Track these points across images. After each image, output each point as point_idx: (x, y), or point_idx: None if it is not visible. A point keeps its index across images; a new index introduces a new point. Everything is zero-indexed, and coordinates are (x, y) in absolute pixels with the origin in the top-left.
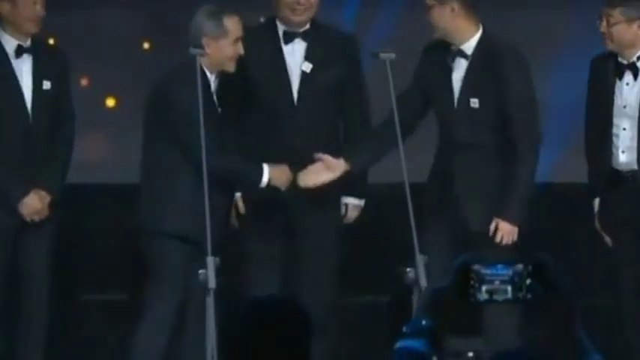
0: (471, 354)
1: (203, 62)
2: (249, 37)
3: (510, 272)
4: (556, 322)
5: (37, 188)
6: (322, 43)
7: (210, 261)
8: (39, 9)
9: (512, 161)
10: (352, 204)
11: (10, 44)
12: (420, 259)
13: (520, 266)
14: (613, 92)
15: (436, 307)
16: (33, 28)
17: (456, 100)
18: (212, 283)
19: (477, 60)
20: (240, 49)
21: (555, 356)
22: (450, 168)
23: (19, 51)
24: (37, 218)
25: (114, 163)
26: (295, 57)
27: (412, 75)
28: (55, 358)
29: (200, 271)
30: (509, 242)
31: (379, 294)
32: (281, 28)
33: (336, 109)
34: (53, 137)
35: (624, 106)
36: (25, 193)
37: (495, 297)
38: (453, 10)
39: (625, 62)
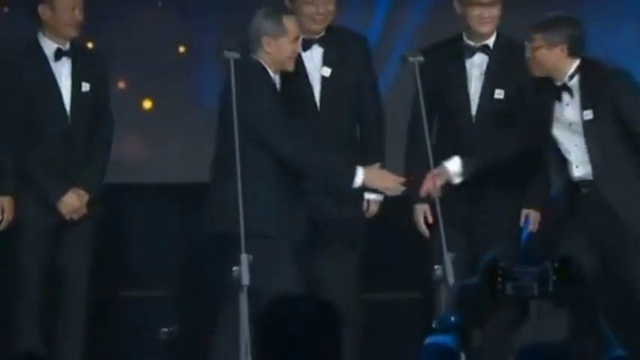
0: None
1: (266, 62)
2: None
3: (537, 269)
4: (579, 316)
5: (76, 187)
6: (338, 46)
7: (244, 258)
8: (77, 14)
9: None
10: (373, 199)
11: (50, 47)
12: (448, 256)
13: (546, 263)
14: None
15: (465, 303)
16: (72, 33)
17: (477, 94)
18: (246, 280)
19: (498, 54)
20: (298, 48)
21: (578, 350)
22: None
23: (59, 54)
24: (75, 216)
25: (150, 164)
26: (314, 62)
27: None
28: (96, 354)
29: (234, 268)
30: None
31: (405, 291)
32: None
33: (354, 111)
34: (91, 138)
35: (570, 124)
36: (64, 192)
37: (522, 293)
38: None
39: (558, 84)
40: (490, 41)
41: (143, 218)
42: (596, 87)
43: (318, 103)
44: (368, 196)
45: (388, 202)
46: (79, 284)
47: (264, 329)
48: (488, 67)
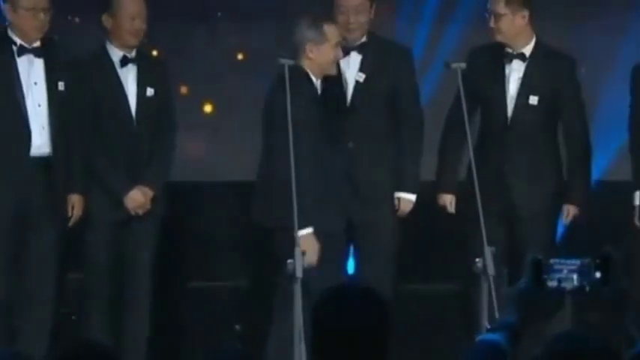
0: None
1: (309, 69)
2: None
3: (578, 263)
4: (609, 311)
5: (141, 185)
6: (377, 54)
7: (298, 251)
8: (138, 23)
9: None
10: (404, 198)
11: (117, 55)
12: (488, 250)
13: (588, 259)
14: None
15: (521, 305)
16: (132, 41)
17: (513, 99)
18: (299, 273)
19: (535, 61)
20: (340, 53)
21: (606, 342)
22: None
23: (124, 61)
24: (140, 212)
25: (210, 163)
26: (350, 68)
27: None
28: (160, 343)
29: (288, 261)
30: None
31: (443, 283)
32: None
33: (390, 116)
34: (156, 139)
35: None
36: (130, 188)
37: (563, 285)
38: (523, 17)
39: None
40: (528, 49)
41: (206, 213)
42: None
43: (348, 105)
44: (398, 194)
45: (424, 192)
46: (143, 276)
47: (317, 320)
48: (524, 73)
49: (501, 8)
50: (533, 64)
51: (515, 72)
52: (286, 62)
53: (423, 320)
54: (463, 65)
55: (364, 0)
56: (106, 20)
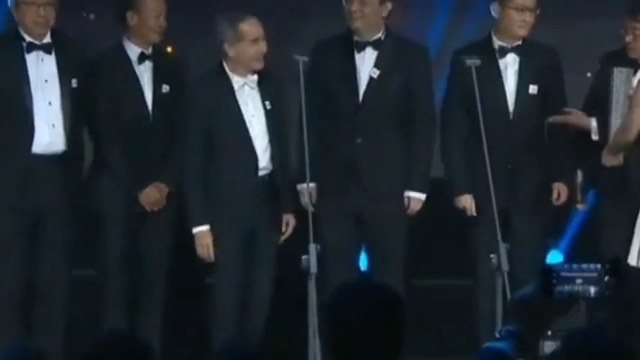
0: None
1: (231, 67)
2: (325, 47)
3: (591, 271)
4: (622, 311)
5: (157, 181)
6: (392, 52)
7: (312, 247)
8: (162, 20)
9: None
10: (414, 197)
11: (134, 52)
12: (502, 246)
13: (598, 265)
14: None
15: (524, 313)
16: (155, 38)
17: (513, 92)
18: (314, 268)
19: (527, 53)
20: (263, 47)
21: (621, 341)
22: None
23: (142, 58)
24: (155, 208)
25: None
26: (365, 64)
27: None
28: (176, 338)
29: (303, 257)
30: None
31: (456, 278)
32: (354, 39)
33: (402, 114)
34: (171, 135)
35: None
36: (146, 185)
37: (577, 295)
38: (536, 15)
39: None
40: (518, 42)
41: None
42: None
43: (360, 101)
44: (408, 193)
45: (434, 189)
46: (159, 272)
47: (332, 316)
48: (520, 65)
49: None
50: (526, 55)
51: (510, 65)
52: (301, 59)
53: (434, 315)
54: (478, 61)
55: None
56: (130, 17)
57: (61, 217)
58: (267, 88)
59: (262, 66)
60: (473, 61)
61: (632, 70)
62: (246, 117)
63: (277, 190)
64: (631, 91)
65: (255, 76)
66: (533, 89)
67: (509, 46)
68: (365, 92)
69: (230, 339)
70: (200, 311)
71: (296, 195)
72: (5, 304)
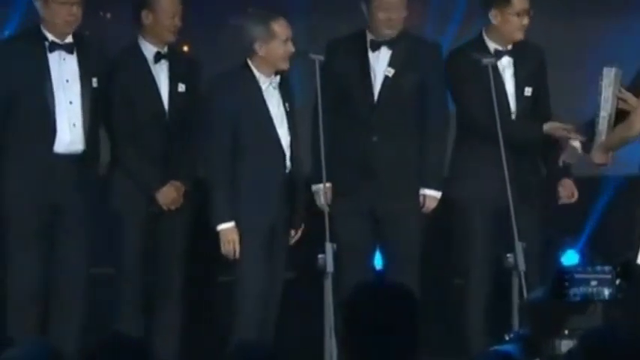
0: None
1: (259, 66)
2: (338, 45)
3: (605, 273)
4: (636, 311)
5: (174, 180)
6: (407, 50)
7: (329, 246)
8: (177, 20)
9: None
10: (430, 195)
11: (150, 51)
12: (519, 245)
13: (610, 267)
14: None
15: (535, 316)
16: (170, 37)
17: (513, 93)
18: (330, 268)
19: (519, 55)
20: (291, 48)
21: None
22: None
23: (158, 57)
24: (172, 207)
25: None
26: (380, 63)
27: None
28: (193, 339)
29: (319, 256)
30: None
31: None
32: (369, 38)
33: (416, 112)
34: (188, 134)
35: None
36: (163, 184)
37: (591, 298)
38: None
39: None
40: (510, 45)
41: None
42: None
43: (375, 99)
44: (423, 191)
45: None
46: (176, 270)
47: (349, 316)
48: (515, 67)
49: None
50: (519, 57)
51: (507, 68)
52: (317, 58)
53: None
54: (494, 60)
55: None
56: (145, 16)
57: (78, 216)
58: (285, 88)
59: (288, 66)
60: (489, 60)
61: (620, 70)
62: (274, 117)
63: (295, 190)
64: (618, 91)
65: (278, 77)
66: (527, 91)
67: (504, 48)
68: (380, 91)
69: (245, 339)
70: (212, 310)
71: (310, 196)
72: (24, 302)
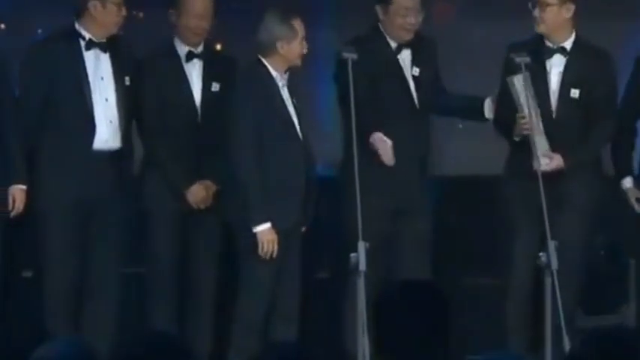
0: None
1: (275, 64)
2: (361, 44)
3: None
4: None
5: (204, 179)
6: (420, 48)
7: (361, 245)
8: (204, 23)
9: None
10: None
11: (182, 50)
12: (552, 244)
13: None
14: None
15: None
16: (194, 39)
17: (556, 93)
18: (362, 266)
19: (575, 56)
20: (306, 46)
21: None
22: None
23: (190, 56)
24: (202, 206)
25: None
26: (405, 63)
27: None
28: (223, 335)
29: (352, 255)
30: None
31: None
32: (391, 41)
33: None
34: (220, 134)
35: None
36: (192, 183)
37: None
38: (568, 10)
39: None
40: (568, 43)
41: None
42: None
43: (416, 101)
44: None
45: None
46: (208, 268)
47: (381, 315)
48: (565, 67)
49: None
50: (573, 58)
51: (555, 67)
52: (349, 56)
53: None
54: (528, 59)
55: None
56: (171, 16)
57: (114, 215)
58: (292, 87)
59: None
60: (522, 59)
61: (528, 73)
62: (292, 115)
63: (309, 187)
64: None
65: (287, 74)
66: (574, 93)
67: (556, 46)
68: (416, 91)
69: (273, 339)
70: None
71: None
72: (61, 296)
